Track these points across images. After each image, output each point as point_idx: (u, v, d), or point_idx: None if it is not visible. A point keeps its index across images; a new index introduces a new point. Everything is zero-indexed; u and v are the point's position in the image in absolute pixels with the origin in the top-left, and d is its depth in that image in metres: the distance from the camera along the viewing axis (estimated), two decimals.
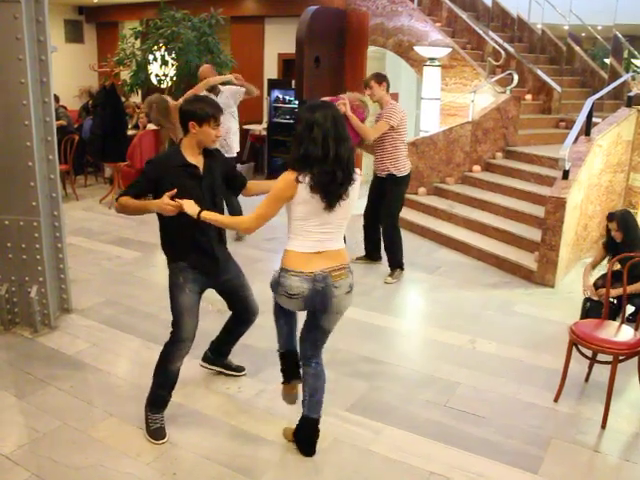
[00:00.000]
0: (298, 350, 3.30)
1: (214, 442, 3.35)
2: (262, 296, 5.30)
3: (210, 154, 3.37)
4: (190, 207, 3.10)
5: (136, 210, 3.27)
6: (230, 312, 3.79)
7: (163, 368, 3.37)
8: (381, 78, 5.71)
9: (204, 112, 3.19)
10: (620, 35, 9.37)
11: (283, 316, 3.25)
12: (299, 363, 3.29)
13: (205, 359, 4.02)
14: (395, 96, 11.11)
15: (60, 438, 3.33)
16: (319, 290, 2.95)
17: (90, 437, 3.35)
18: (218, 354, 4.00)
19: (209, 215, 3.13)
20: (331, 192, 2.83)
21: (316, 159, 2.79)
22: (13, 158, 4.28)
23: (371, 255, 6.28)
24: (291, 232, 2.96)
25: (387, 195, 5.83)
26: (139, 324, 4.74)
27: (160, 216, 3.28)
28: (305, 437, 3.27)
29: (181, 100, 6.64)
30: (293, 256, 2.95)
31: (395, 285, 5.79)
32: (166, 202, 3.10)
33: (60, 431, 3.39)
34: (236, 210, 6.41)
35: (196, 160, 3.29)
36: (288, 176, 2.84)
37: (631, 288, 4.32)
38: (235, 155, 6.92)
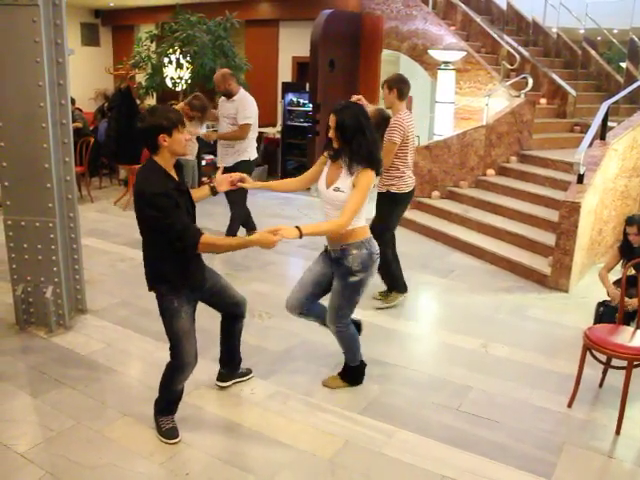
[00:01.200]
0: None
1: (226, 443, 3.37)
2: (274, 298, 5.32)
3: (177, 165, 3.19)
4: (290, 231, 3.09)
5: (230, 248, 3.19)
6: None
7: (168, 389, 3.37)
8: (392, 84, 4.98)
9: (170, 120, 2.98)
10: (636, 38, 9.32)
11: (356, 333, 3.91)
12: None
13: (221, 378, 3.91)
14: (409, 100, 11.11)
15: (74, 437, 3.36)
16: None
17: (104, 437, 3.38)
18: (231, 366, 3.92)
19: (310, 229, 3.23)
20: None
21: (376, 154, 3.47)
22: (30, 160, 4.32)
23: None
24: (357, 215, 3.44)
25: (382, 210, 5.12)
26: (153, 325, 4.76)
27: (169, 246, 3.10)
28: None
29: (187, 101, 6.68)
30: (363, 228, 3.54)
31: (408, 288, 5.77)
32: (270, 235, 3.01)
33: (74, 430, 3.42)
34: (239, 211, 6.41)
35: (175, 176, 3.13)
36: (371, 174, 3.40)
37: None
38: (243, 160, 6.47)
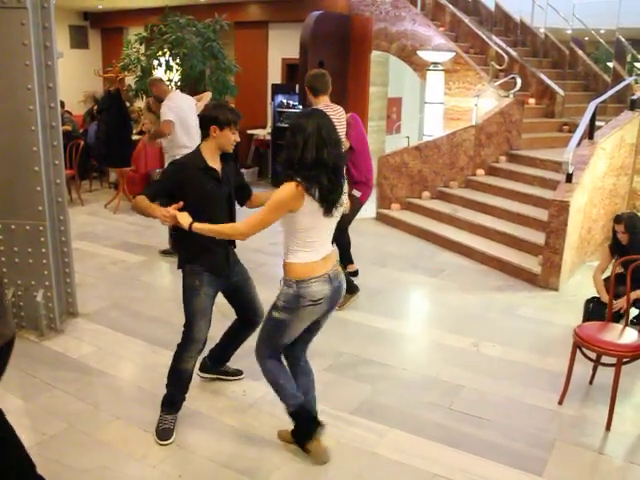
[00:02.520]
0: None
1: (219, 444, 3.37)
2: (266, 299, 5.33)
3: (227, 160, 3.43)
4: (183, 219, 3.09)
5: (143, 212, 3.27)
6: (234, 316, 3.80)
7: (176, 369, 3.45)
8: (304, 83, 4.98)
9: (226, 117, 3.28)
10: (623, 39, 9.40)
11: (282, 369, 3.27)
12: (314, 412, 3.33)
13: (203, 368, 3.98)
14: (398, 101, 11.15)
15: (66, 440, 3.35)
16: (336, 288, 3.07)
17: (96, 440, 3.37)
18: (218, 361, 3.99)
19: (200, 226, 3.06)
20: (325, 198, 2.85)
21: (300, 163, 2.81)
22: (20, 163, 4.31)
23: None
24: (295, 244, 2.97)
25: None
26: (144, 327, 4.77)
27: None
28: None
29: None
30: (304, 267, 2.97)
31: (398, 288, 5.81)
32: (164, 211, 3.12)
33: (66, 434, 3.41)
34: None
35: (215, 165, 3.36)
36: (292, 187, 2.81)
37: (636, 294, 4.30)
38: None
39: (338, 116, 4.84)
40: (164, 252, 6.60)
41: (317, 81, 4.84)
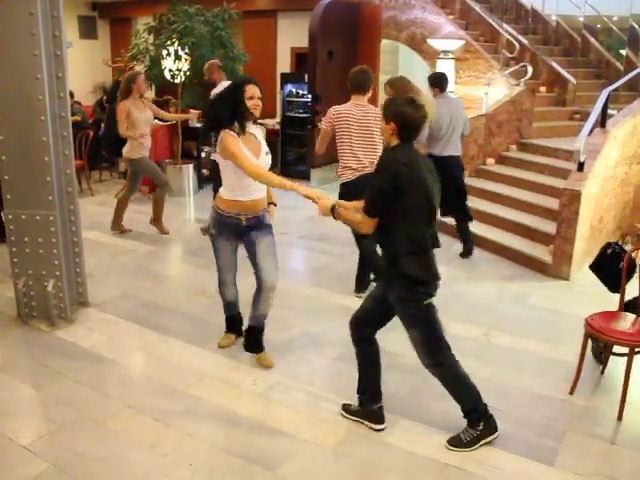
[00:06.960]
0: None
1: (229, 434, 3.38)
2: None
3: None
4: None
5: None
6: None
7: None
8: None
9: None
10: (636, 25, 9.29)
11: None
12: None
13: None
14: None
15: (77, 429, 3.37)
16: None
17: (107, 428, 3.39)
18: None
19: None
20: None
21: None
22: (29, 153, 4.31)
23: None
24: None
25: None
26: (155, 317, 4.77)
27: None
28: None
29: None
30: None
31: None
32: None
33: (77, 422, 3.43)
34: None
35: None
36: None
37: None
38: None
39: (345, 115, 4.91)
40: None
41: (350, 78, 5.00)
